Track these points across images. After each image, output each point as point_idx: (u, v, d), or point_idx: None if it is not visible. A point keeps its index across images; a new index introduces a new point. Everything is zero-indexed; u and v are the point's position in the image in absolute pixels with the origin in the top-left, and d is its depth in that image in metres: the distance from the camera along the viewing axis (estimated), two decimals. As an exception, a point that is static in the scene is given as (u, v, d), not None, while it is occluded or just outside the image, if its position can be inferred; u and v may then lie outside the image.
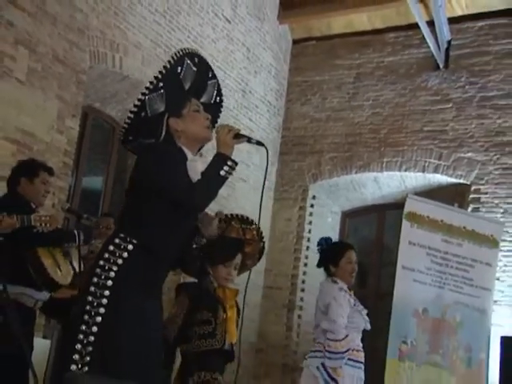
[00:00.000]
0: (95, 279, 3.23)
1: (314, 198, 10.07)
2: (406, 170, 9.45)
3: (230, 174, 3.35)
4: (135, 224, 3.36)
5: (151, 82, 3.39)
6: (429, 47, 9.42)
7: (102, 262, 3.25)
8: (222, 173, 3.30)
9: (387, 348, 6.76)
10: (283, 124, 10.37)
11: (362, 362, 5.45)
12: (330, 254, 5.80)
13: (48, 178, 5.36)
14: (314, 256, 9.69)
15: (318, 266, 5.97)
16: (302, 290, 9.69)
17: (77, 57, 7.20)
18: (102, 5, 7.48)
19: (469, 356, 7.08)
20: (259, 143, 3.64)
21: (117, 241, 3.29)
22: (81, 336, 3.16)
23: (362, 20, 10.03)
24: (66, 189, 7.02)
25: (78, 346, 3.15)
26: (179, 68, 3.48)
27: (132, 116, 3.43)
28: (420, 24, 9.19)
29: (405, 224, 7.11)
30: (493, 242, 7.49)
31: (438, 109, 9.42)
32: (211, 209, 4.92)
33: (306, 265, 9.84)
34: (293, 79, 10.46)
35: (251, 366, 9.32)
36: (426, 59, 9.64)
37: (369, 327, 5.55)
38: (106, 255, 3.26)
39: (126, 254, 3.25)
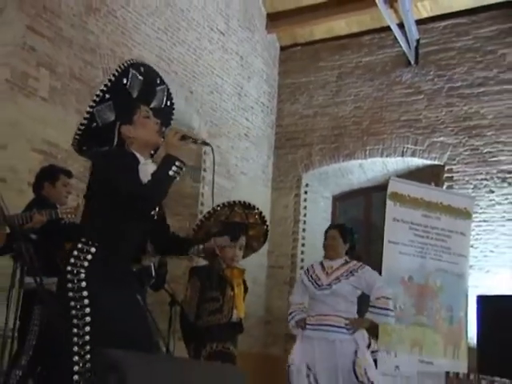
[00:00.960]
0: (70, 285, 3.15)
1: (307, 185, 10.15)
2: (386, 156, 9.55)
3: (178, 173, 3.28)
4: (94, 228, 3.27)
5: (97, 95, 3.34)
6: (400, 46, 9.50)
7: (70, 268, 3.18)
8: (171, 173, 3.25)
9: (379, 313, 6.82)
10: (276, 122, 10.43)
11: (327, 325, 5.40)
12: None
13: (68, 180, 5.41)
14: (309, 237, 9.89)
15: None
16: (301, 268, 9.71)
17: (91, 74, 7.27)
18: (110, 26, 7.57)
19: (450, 315, 7.14)
20: (204, 143, 3.62)
21: (79, 246, 3.21)
22: (75, 338, 3.09)
23: (341, 26, 10.11)
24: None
25: (76, 348, 3.09)
26: (125, 79, 3.41)
27: (82, 128, 3.36)
28: (391, 26, 9.29)
29: (389, 203, 7.13)
30: (466, 214, 7.54)
31: (411, 100, 9.51)
32: (219, 202, 4.96)
33: (303, 245, 9.95)
34: (282, 82, 10.53)
35: (261, 336, 9.44)
36: (399, 57, 9.72)
37: (316, 293, 5.53)
38: (72, 260, 3.19)
39: (89, 257, 3.18)
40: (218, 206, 4.79)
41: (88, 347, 3.09)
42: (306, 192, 10.13)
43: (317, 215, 10.09)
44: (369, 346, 5.50)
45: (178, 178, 3.30)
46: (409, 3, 9.01)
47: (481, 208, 8.48)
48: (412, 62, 9.59)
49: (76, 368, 3.07)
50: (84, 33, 7.24)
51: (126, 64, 3.44)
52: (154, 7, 8.22)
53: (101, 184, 3.31)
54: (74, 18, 7.14)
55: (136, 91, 3.48)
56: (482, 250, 8.46)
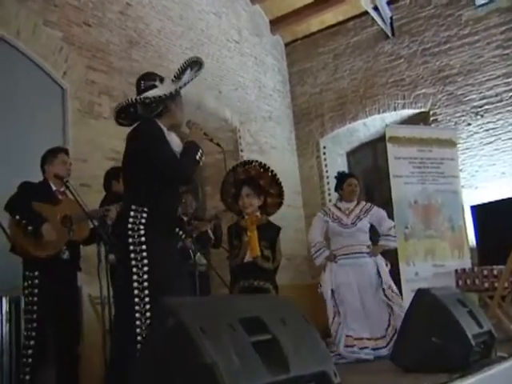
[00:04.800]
0: (130, 240, 3.01)
1: (324, 148, 9.97)
2: (383, 112, 9.33)
3: (201, 159, 3.12)
4: (140, 196, 3.08)
5: (178, 71, 3.21)
6: (379, 25, 9.29)
7: (130, 226, 3.02)
8: (197, 157, 3.10)
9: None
10: (292, 102, 10.24)
11: (354, 253, 5.36)
12: (338, 179, 5.75)
13: None
14: (333, 188, 9.68)
15: (335, 190, 5.86)
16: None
17: (140, 92, 7.20)
18: (149, 53, 7.52)
19: (452, 225, 6.96)
20: (218, 144, 3.45)
21: (132, 213, 3.05)
22: (135, 284, 2.97)
23: (329, 17, 9.88)
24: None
25: (136, 292, 2.97)
26: (189, 68, 3.26)
27: (143, 98, 3.13)
28: (369, 10, 9.11)
29: (389, 146, 6.92)
30: (452, 143, 7.34)
31: (394, 65, 9.30)
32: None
33: (329, 195, 9.75)
34: (291, 70, 10.33)
35: (306, 270, 9.18)
36: (379, 33, 9.48)
37: (342, 230, 5.42)
38: (131, 220, 3.03)
39: (145, 215, 3.04)
40: (226, 173, 4.58)
41: (147, 292, 2.97)
42: (324, 153, 9.96)
43: (336, 170, 9.73)
44: (386, 265, 5.51)
45: (201, 164, 3.14)
46: (378, -11, 8.82)
47: (463, 139, 8.28)
48: (389, 35, 9.35)
49: (137, 308, 2.95)
50: (130, 62, 7.20)
51: (196, 58, 3.31)
52: (180, 32, 8.12)
53: (137, 154, 3.10)
54: (120, 53, 7.11)
55: (186, 79, 3.28)
56: (469, 171, 8.28)
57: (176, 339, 1.91)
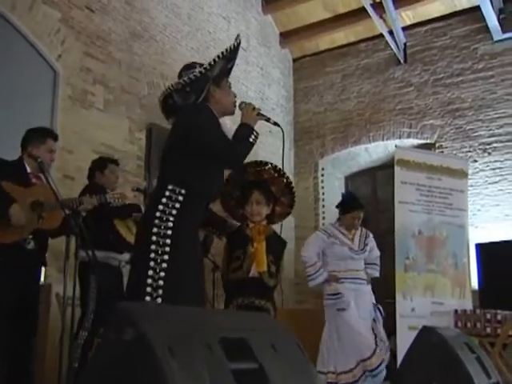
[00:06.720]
0: (155, 229, 2.67)
1: (322, 169, 9.54)
2: (387, 139, 8.91)
3: (255, 141, 2.90)
4: (181, 176, 2.78)
5: (226, 50, 2.99)
6: (392, 49, 8.92)
7: (159, 214, 2.69)
8: (251, 139, 2.88)
9: (395, 264, 6.22)
10: (294, 119, 9.82)
11: (358, 278, 5.07)
12: (345, 205, 5.26)
13: (115, 167, 4.88)
14: (328, 211, 9.28)
15: (337, 206, 5.37)
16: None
17: (138, 87, 6.82)
18: (151, 48, 7.12)
19: (455, 261, 6.49)
20: (275, 124, 3.21)
21: (167, 193, 2.72)
22: (149, 280, 2.60)
23: (341, 37, 9.53)
24: (142, 184, 6.45)
25: (149, 290, 2.59)
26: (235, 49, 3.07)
27: (189, 80, 2.91)
28: (383, 33, 8.73)
29: (396, 169, 6.46)
30: (463, 174, 6.89)
31: (404, 92, 8.90)
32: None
33: (323, 218, 9.31)
34: (296, 86, 9.93)
35: (292, 294, 8.80)
36: (391, 58, 9.10)
37: (351, 255, 5.14)
38: (161, 207, 2.70)
39: (178, 205, 2.71)
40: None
41: (160, 291, 2.59)
42: (322, 175, 9.54)
43: (332, 193, 9.49)
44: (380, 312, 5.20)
45: (254, 146, 2.90)
46: (395, 13, 8.47)
47: (467, 175, 7.80)
48: (402, 61, 8.97)
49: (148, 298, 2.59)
50: (130, 55, 6.80)
51: (240, 38, 3.10)
52: (187, 31, 7.71)
53: (190, 136, 2.81)
54: (121, 44, 6.72)
55: (231, 63, 3.13)
56: (471, 209, 7.72)
57: (134, 356, 1.42)
